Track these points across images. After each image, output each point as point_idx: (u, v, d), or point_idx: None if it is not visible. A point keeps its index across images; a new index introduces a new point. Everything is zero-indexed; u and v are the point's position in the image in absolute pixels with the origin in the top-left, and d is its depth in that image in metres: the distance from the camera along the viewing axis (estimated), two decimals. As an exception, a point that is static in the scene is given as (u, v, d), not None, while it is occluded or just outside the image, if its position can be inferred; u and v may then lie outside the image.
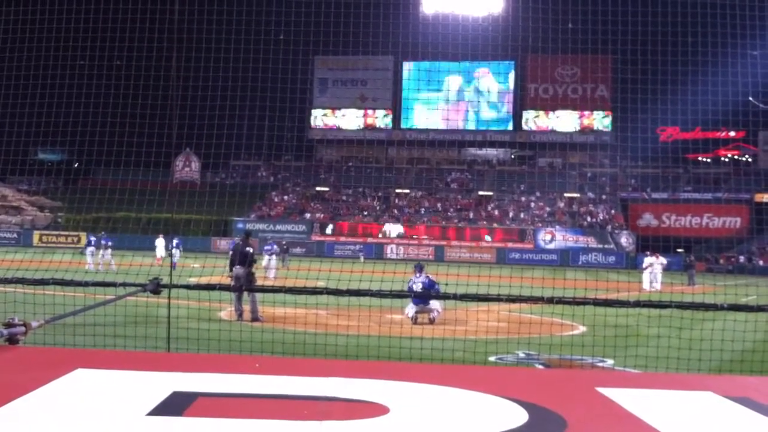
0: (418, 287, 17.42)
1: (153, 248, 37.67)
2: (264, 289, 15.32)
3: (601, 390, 4.14)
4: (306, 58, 70.76)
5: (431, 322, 16.66)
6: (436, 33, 57.39)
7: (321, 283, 14.06)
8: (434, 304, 16.95)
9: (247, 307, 16.71)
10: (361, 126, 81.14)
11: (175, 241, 37.94)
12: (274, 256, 33.20)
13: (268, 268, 31.51)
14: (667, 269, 34.29)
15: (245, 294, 16.51)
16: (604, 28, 23.26)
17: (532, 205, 70.34)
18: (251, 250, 18.12)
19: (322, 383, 4.10)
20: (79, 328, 9.17)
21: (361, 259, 48.52)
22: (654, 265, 32.32)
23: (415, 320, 16.69)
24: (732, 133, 66.26)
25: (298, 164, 78.04)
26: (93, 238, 35.66)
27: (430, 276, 18.42)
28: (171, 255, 36.80)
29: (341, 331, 12.65)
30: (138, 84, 20.90)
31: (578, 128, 77.93)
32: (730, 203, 64.82)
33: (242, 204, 66.50)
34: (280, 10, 24.27)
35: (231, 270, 17.71)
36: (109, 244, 34.79)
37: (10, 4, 17.58)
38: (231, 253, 18.44)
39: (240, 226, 63.59)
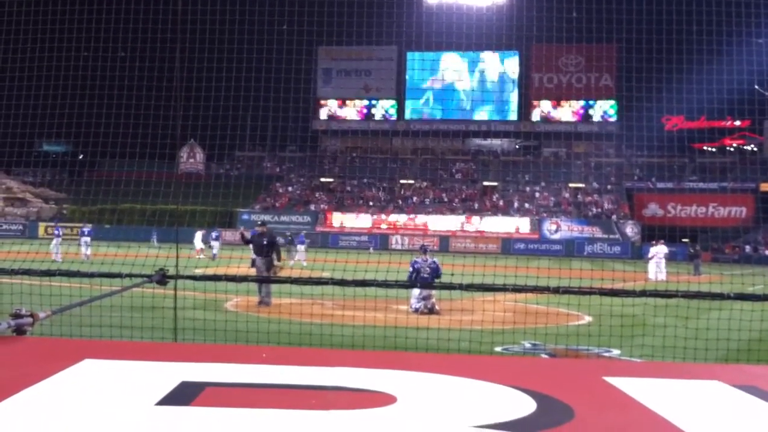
0: (426, 271, 17.40)
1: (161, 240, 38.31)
2: (271, 280, 15.38)
3: (608, 379, 4.14)
4: (310, 48, 70.70)
5: (430, 310, 16.57)
6: (440, 23, 57.15)
7: (326, 274, 14.08)
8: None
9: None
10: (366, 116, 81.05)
11: (214, 234, 39.79)
12: None
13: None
14: (672, 259, 34.23)
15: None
16: (609, 17, 23.18)
17: (537, 195, 70.25)
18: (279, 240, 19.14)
19: (329, 373, 4.11)
20: (86, 319, 9.19)
21: (371, 250, 48.50)
22: (658, 254, 32.24)
23: (418, 310, 16.63)
24: (737, 123, 66.06)
25: (303, 155, 78.00)
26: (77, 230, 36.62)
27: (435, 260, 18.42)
28: (210, 247, 38.40)
29: (347, 321, 12.67)
30: (142, 75, 20.91)
31: (583, 118, 77.74)
32: (736, 193, 64.65)
33: (247, 195, 66.52)
34: (284, 0, 24.23)
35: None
36: (60, 233, 35.57)
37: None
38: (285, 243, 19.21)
39: (245, 217, 63.67)
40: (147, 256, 11.60)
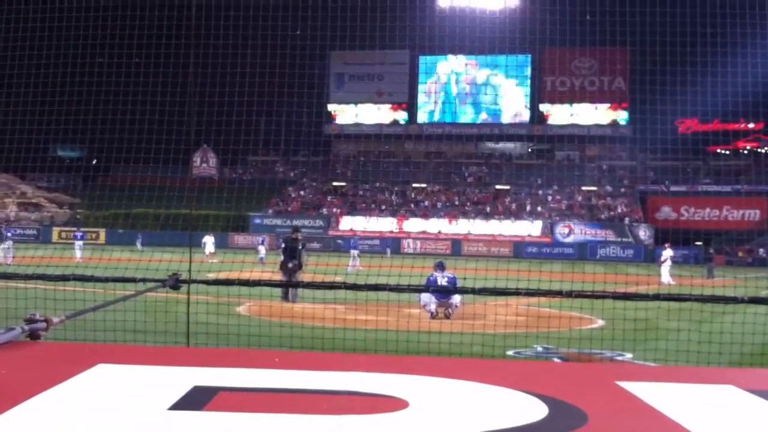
0: (443, 282, 17.45)
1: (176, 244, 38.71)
2: (283, 284, 15.42)
3: (621, 384, 4.12)
4: (322, 53, 70.81)
5: (447, 317, 16.67)
6: (453, 26, 57.08)
7: (338, 278, 14.09)
8: (455, 298, 16.99)
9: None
10: (378, 121, 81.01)
11: (260, 238, 41.80)
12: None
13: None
14: (685, 262, 34.05)
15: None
16: (622, 20, 23.11)
17: (550, 198, 70.07)
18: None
19: (342, 377, 4.11)
20: (99, 324, 9.23)
21: (388, 253, 48.43)
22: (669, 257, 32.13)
23: (434, 315, 16.70)
24: (751, 125, 65.72)
25: (315, 159, 78.10)
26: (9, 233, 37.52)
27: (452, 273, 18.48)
28: (258, 252, 39.80)
29: (359, 325, 12.67)
30: (156, 81, 21.00)
31: (596, 121, 77.51)
32: (750, 195, 64.29)
33: (260, 200, 66.67)
34: (297, 5, 24.31)
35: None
36: (9, 235, 36.25)
37: (29, 2, 17.69)
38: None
39: (257, 221, 63.82)
40: (161, 261, 11.64)
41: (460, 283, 17.15)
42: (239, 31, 22.66)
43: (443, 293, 16.64)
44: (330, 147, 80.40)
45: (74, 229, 60.98)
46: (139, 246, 45.61)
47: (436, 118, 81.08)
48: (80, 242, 37.02)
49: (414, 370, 4.49)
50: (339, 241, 58.11)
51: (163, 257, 13.12)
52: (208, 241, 40.46)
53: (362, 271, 31.14)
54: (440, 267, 18.47)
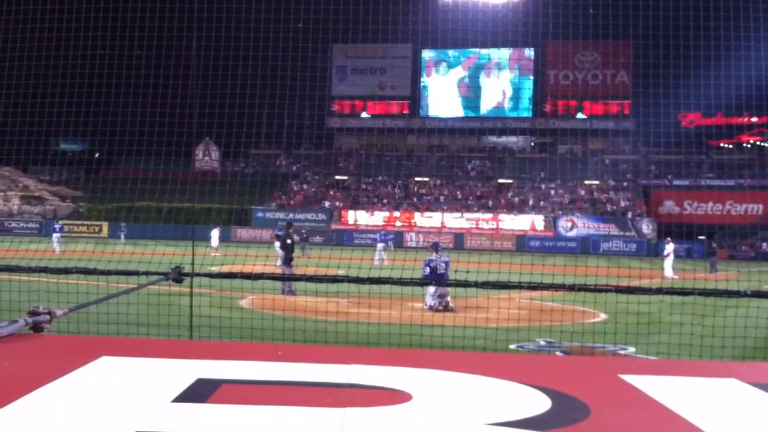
0: (441, 268, 17.49)
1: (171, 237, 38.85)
2: (287, 278, 15.43)
3: (625, 377, 4.12)
4: (325, 46, 70.65)
5: (445, 307, 16.63)
6: (456, 20, 56.94)
7: (341, 272, 14.09)
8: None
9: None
10: (380, 114, 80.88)
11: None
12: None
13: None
14: (688, 256, 33.99)
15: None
16: (625, 14, 23.06)
17: (552, 192, 69.96)
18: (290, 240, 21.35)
19: (345, 370, 4.11)
20: (102, 316, 9.25)
21: (391, 247, 48.33)
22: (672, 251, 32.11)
23: (432, 308, 16.68)
24: (754, 119, 65.54)
25: (318, 153, 77.98)
26: None
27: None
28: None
29: (362, 319, 12.68)
30: (158, 73, 20.99)
31: (599, 114, 77.38)
32: (753, 190, 64.14)
33: (262, 193, 66.57)
34: (299, -2, 24.28)
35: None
36: None
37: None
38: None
39: (260, 215, 63.81)
40: (164, 254, 11.65)
41: (462, 277, 17.15)
42: (242, 24, 22.64)
43: (440, 285, 16.62)
44: (332, 140, 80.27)
45: (76, 222, 61.14)
46: (122, 238, 45.85)
47: (438, 111, 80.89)
48: (57, 235, 37.35)
49: (417, 363, 4.49)
50: (372, 235, 57.77)
51: (166, 250, 13.13)
52: (215, 234, 40.65)
53: (386, 266, 31.14)
54: (435, 248, 18.63)
